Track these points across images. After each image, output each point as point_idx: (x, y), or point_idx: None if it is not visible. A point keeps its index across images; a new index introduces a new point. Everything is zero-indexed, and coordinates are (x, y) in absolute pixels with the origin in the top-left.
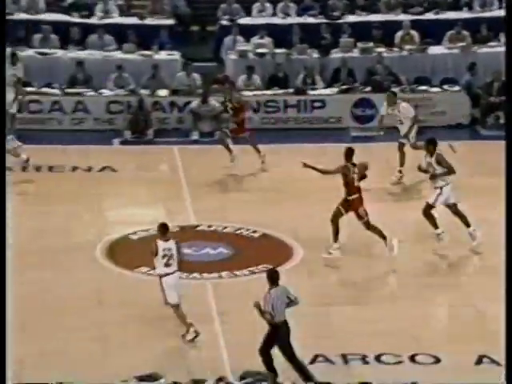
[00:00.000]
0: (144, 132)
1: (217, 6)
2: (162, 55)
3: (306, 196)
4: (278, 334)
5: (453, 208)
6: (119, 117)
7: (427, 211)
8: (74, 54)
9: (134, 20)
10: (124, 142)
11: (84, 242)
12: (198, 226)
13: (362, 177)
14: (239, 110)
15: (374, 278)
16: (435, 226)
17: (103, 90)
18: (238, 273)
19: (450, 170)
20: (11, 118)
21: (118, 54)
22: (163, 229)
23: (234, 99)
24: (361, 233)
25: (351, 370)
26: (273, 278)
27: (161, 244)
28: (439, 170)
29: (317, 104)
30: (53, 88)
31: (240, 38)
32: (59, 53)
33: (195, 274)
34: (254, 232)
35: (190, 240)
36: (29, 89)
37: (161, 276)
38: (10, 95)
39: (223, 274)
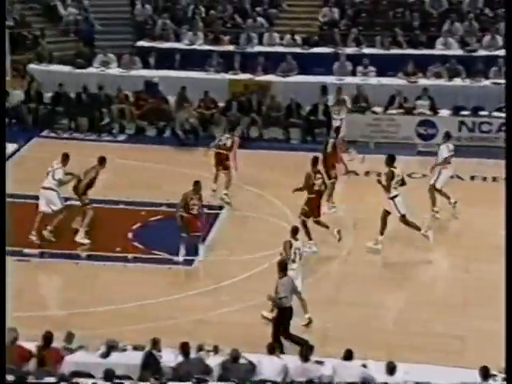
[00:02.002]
0: None
1: None
2: None
3: None
4: (285, 316)
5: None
6: None
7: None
8: None
9: None
10: None
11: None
12: None
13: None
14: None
15: None
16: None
17: None
18: None
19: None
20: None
21: None
22: (296, 230)
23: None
24: None
25: None
26: (283, 267)
27: (294, 243)
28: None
29: None
30: (501, 112)
31: None
32: None
33: None
34: None
35: None
36: (481, 112)
37: (290, 269)
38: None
39: None
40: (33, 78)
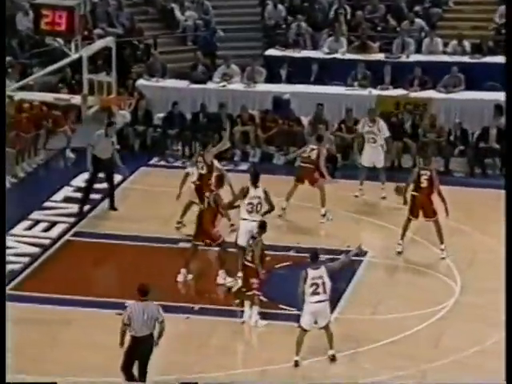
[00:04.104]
0: None
1: None
2: None
3: None
4: (139, 348)
5: None
6: None
7: None
8: None
9: None
10: None
11: None
12: None
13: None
14: None
15: None
16: None
17: None
18: None
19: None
20: None
21: None
22: (315, 256)
23: None
24: None
25: None
26: (141, 291)
27: (310, 272)
28: None
29: None
30: None
31: None
32: None
33: None
34: None
35: None
36: None
37: (309, 303)
38: None
39: None
40: (142, 95)
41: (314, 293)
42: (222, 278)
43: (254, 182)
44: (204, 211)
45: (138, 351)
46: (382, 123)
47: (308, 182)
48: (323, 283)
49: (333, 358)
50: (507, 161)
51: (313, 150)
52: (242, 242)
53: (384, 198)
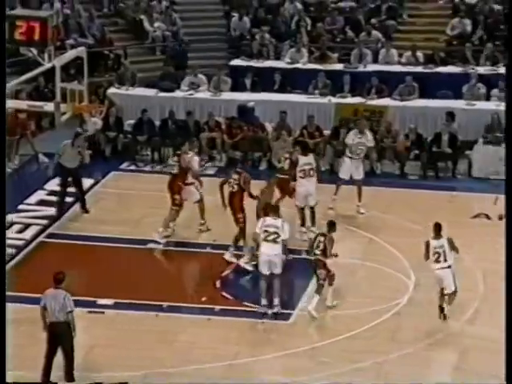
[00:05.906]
0: None
1: None
2: None
3: None
4: (54, 334)
5: None
6: None
7: None
8: None
9: None
10: None
11: None
12: None
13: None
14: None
15: None
16: None
17: None
18: None
19: None
20: None
21: None
22: (438, 228)
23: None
24: None
25: None
26: (55, 279)
27: (432, 242)
28: None
29: None
30: None
31: None
32: None
33: None
34: None
35: None
36: None
37: (434, 270)
38: None
39: None
40: (112, 102)
41: (437, 261)
42: (229, 253)
43: (304, 150)
44: (233, 194)
45: (54, 337)
46: (369, 134)
47: (288, 196)
48: (444, 252)
49: (444, 316)
50: (507, 162)
51: (286, 159)
52: (299, 203)
53: (362, 213)
